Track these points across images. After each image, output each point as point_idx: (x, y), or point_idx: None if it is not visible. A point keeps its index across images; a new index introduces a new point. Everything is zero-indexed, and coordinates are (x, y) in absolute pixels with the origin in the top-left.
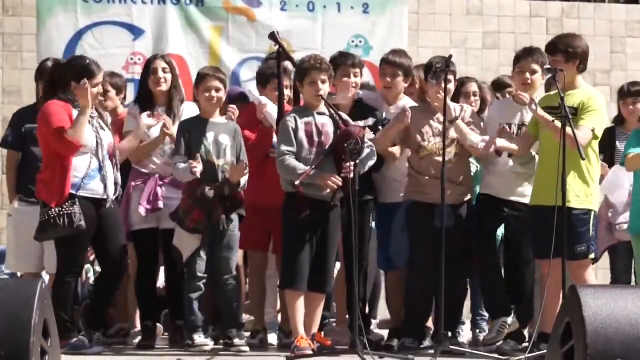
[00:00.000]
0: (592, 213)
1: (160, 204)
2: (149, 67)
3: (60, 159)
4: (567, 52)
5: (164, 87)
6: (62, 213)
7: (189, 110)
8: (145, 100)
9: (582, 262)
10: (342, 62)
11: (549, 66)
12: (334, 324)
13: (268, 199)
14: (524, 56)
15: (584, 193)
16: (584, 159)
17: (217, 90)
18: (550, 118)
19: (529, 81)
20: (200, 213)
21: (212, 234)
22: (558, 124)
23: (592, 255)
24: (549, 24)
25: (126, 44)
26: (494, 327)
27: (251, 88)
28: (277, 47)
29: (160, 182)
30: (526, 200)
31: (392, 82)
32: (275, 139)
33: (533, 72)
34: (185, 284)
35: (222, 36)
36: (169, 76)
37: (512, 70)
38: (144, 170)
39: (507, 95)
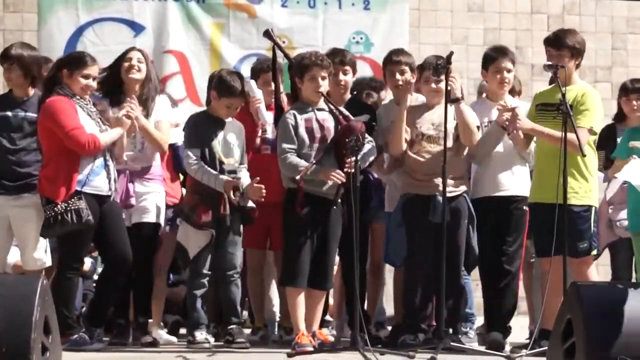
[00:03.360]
0: (593, 209)
1: (133, 201)
2: (121, 58)
3: (66, 155)
4: (573, 48)
5: (137, 75)
6: (69, 209)
7: (160, 103)
8: (114, 91)
9: (584, 259)
10: (331, 60)
11: (549, 62)
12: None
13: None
14: (499, 55)
15: (583, 189)
16: (584, 156)
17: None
18: (541, 129)
19: (507, 80)
20: (206, 209)
21: (218, 230)
22: (550, 131)
23: (595, 252)
24: (550, 21)
25: (127, 40)
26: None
27: (251, 83)
28: (272, 44)
29: (131, 178)
30: (511, 193)
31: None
32: (268, 135)
33: (508, 71)
34: (190, 281)
35: (222, 33)
36: (143, 66)
37: (484, 70)
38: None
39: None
